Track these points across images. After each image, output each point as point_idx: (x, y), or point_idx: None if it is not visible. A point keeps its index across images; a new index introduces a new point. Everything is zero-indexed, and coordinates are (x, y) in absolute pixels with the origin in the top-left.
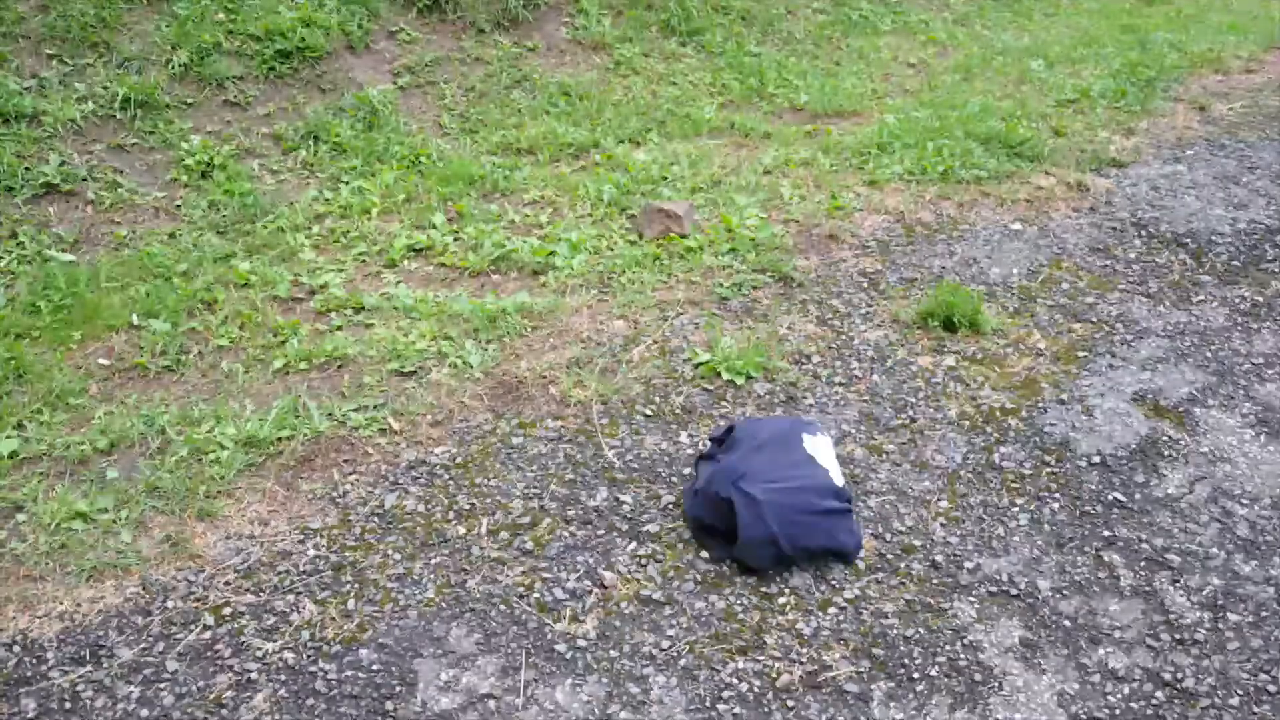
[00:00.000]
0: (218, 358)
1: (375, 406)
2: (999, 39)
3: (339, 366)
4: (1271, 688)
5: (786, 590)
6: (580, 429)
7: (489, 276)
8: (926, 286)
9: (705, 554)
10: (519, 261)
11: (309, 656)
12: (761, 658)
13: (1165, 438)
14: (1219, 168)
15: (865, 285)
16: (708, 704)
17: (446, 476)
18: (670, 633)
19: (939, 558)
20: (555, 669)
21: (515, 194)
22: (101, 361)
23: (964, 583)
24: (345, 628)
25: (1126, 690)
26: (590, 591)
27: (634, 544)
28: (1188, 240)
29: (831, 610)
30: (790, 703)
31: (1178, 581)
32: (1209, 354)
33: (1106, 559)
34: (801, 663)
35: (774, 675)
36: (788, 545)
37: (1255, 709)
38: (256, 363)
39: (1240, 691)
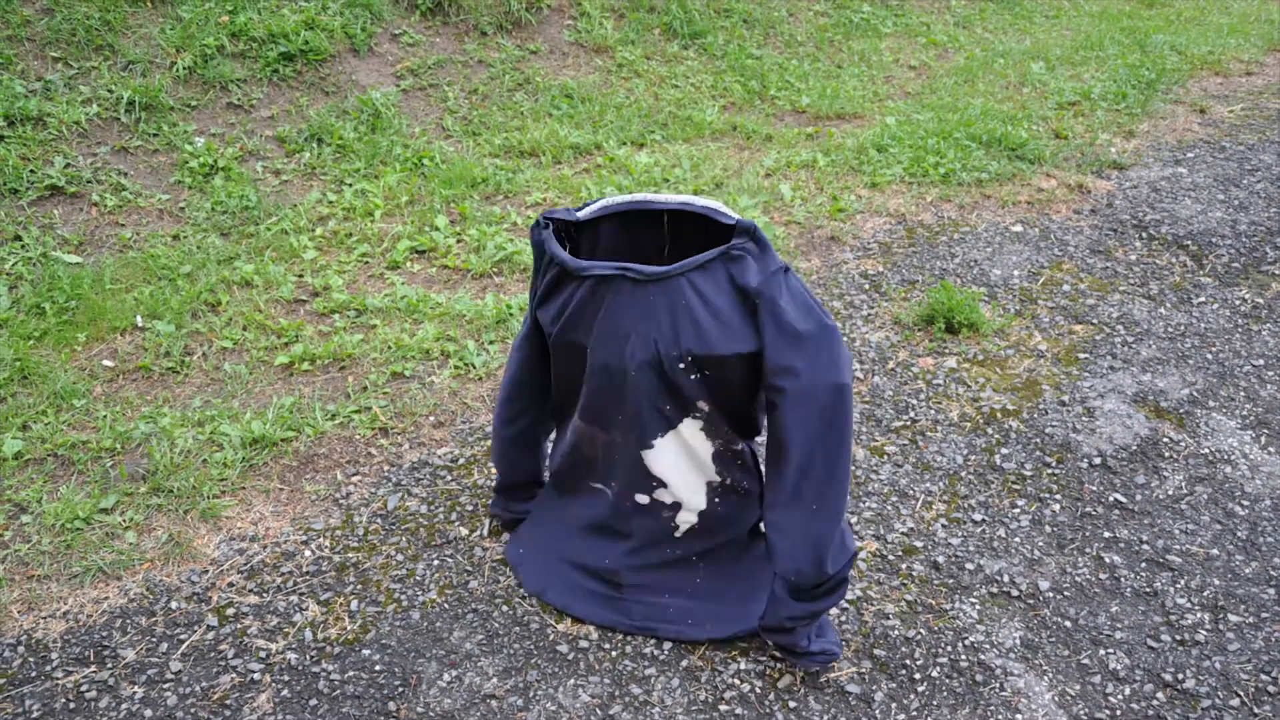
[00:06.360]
0: (221, 359)
1: (378, 408)
2: (1000, 42)
3: (342, 368)
4: (1272, 688)
5: None
6: None
7: (491, 278)
8: (928, 288)
9: None
10: (522, 263)
11: (312, 657)
12: (763, 659)
13: (1166, 439)
14: (1219, 170)
15: (867, 287)
16: (709, 704)
17: (449, 477)
18: None
19: (940, 559)
20: (557, 670)
21: (518, 196)
22: (106, 363)
23: (965, 584)
24: (348, 628)
25: (1127, 691)
26: None
27: None
28: (1188, 242)
29: (833, 611)
30: (792, 704)
31: (1178, 582)
32: (1210, 355)
33: (1107, 560)
34: None
35: (775, 676)
36: None
37: (1256, 710)
38: (260, 364)
39: (1241, 692)
